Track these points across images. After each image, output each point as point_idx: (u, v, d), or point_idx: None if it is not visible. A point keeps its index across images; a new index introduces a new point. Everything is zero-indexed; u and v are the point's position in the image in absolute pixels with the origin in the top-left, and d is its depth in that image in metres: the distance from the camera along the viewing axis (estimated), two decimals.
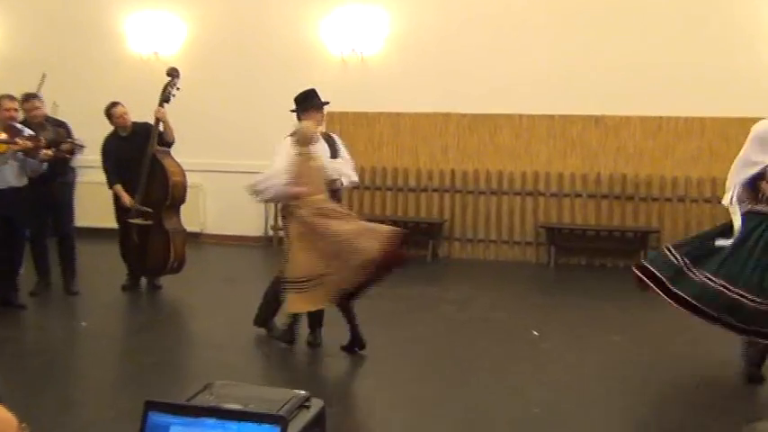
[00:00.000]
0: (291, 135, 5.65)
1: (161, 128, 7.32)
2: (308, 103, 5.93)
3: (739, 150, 5.21)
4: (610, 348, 5.94)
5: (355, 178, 5.92)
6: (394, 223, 9.77)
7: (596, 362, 5.61)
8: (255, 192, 5.63)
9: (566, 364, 5.57)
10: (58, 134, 6.79)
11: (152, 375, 5.25)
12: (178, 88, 7.40)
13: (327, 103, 6.11)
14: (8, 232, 6.63)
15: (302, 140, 5.54)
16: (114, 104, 7.41)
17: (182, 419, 2.15)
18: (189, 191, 7.72)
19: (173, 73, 7.43)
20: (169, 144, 7.45)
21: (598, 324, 6.63)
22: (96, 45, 10.53)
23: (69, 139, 6.91)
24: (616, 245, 9.32)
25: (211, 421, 2.14)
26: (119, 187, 7.38)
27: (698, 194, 9.09)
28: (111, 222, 7.89)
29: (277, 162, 5.55)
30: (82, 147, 7.10)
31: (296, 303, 5.38)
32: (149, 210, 7.29)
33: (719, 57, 8.87)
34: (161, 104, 7.33)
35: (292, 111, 6.00)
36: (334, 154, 5.84)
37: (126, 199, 7.36)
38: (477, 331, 6.41)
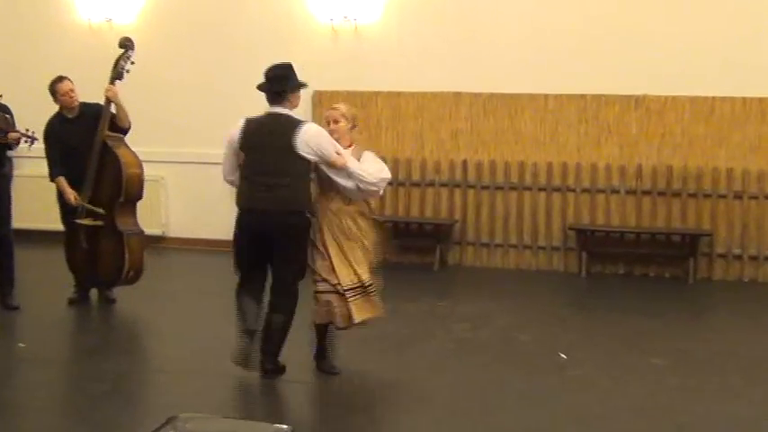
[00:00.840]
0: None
1: (113, 110, 7.33)
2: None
3: None
4: (651, 374, 5.95)
5: None
6: (394, 225, 9.86)
7: (635, 390, 5.62)
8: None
9: (600, 393, 5.58)
10: (5, 120, 6.83)
11: (104, 406, 5.24)
12: (133, 62, 7.41)
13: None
14: None
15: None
16: (60, 79, 7.41)
17: None
18: (147, 185, 7.75)
19: (126, 44, 7.44)
20: (124, 131, 7.45)
21: (638, 345, 6.64)
22: (38, 11, 10.52)
23: (18, 130, 6.93)
24: (660, 250, 9.33)
25: None
26: (62, 180, 7.38)
27: (758, 190, 9.10)
28: (55, 224, 7.88)
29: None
30: (33, 139, 7.10)
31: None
32: (100, 211, 7.30)
33: None
34: (112, 82, 7.34)
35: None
36: None
37: (70, 195, 7.36)
38: (494, 355, 6.42)
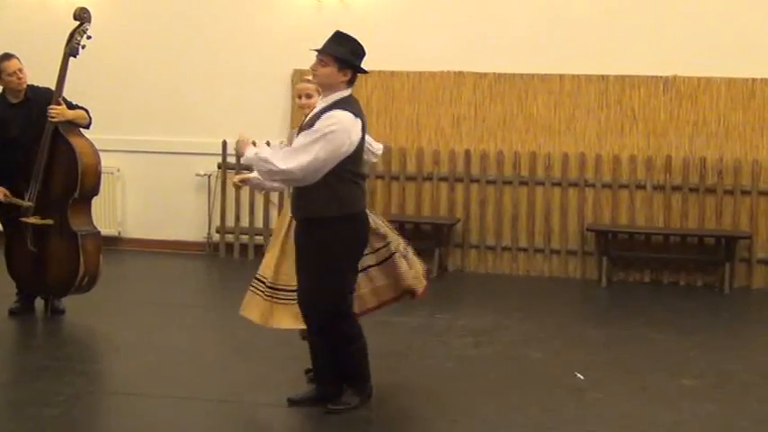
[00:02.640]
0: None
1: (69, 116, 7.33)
2: None
3: None
4: (682, 398, 5.97)
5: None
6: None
7: (664, 417, 5.64)
8: None
9: (623, 420, 5.59)
10: None
11: None
12: (89, 37, 7.40)
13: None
14: None
15: None
16: (6, 57, 7.40)
17: None
18: (102, 178, 7.72)
19: (83, 15, 7.41)
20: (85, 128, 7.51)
21: (667, 364, 6.66)
22: None
23: None
24: (692, 255, 9.37)
25: None
26: None
27: None
28: None
29: None
30: None
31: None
32: (48, 221, 7.29)
33: None
34: (66, 59, 7.34)
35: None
36: None
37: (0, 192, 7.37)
38: (500, 376, 6.43)
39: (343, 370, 5.55)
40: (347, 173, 5.29)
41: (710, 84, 9.26)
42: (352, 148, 5.24)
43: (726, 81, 9.22)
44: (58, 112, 7.26)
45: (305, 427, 5.58)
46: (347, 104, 5.31)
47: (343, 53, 5.32)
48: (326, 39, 5.38)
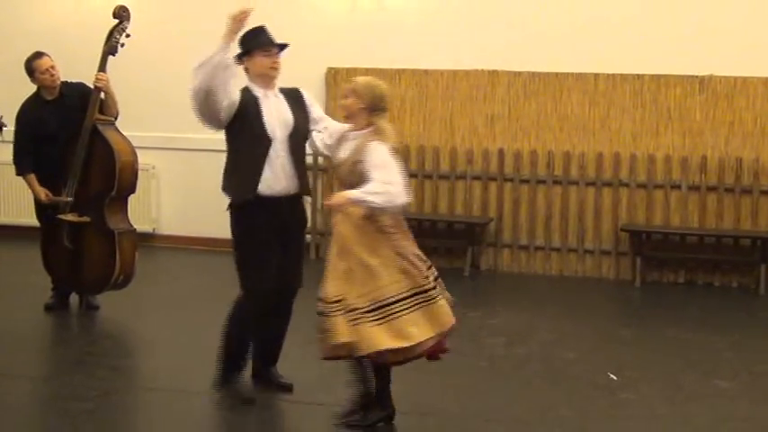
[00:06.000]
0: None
1: (102, 96, 7.36)
2: (254, 41, 5.85)
3: None
4: (716, 399, 5.93)
5: None
6: (419, 223, 9.86)
7: (697, 418, 5.60)
8: None
9: (656, 421, 5.56)
10: None
11: (86, 428, 5.27)
12: (128, 35, 7.42)
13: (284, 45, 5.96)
14: None
15: None
16: (38, 55, 7.45)
17: None
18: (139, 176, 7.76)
19: (122, 14, 7.44)
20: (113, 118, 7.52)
21: (701, 365, 6.62)
22: None
23: None
24: (727, 256, 9.29)
25: None
26: (33, 178, 7.44)
27: None
28: (28, 218, 7.92)
29: None
30: (1, 125, 7.18)
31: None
32: (84, 219, 7.33)
33: None
34: (105, 57, 7.37)
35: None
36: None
37: (41, 193, 7.41)
38: (533, 375, 6.41)
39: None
40: None
41: (747, 83, 9.18)
42: None
43: (763, 81, 9.13)
44: (105, 80, 7.26)
45: (333, 426, 5.59)
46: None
47: None
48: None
